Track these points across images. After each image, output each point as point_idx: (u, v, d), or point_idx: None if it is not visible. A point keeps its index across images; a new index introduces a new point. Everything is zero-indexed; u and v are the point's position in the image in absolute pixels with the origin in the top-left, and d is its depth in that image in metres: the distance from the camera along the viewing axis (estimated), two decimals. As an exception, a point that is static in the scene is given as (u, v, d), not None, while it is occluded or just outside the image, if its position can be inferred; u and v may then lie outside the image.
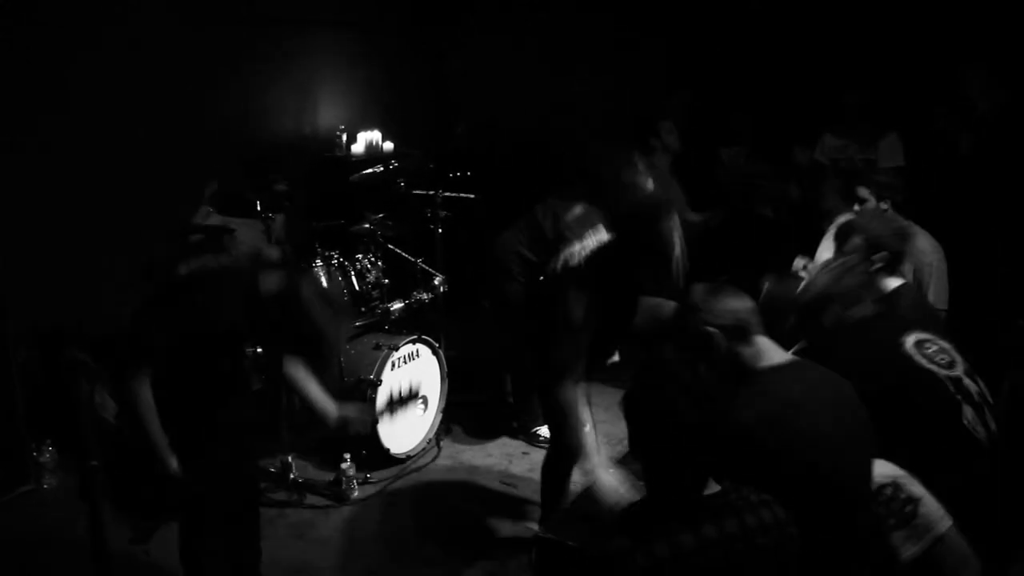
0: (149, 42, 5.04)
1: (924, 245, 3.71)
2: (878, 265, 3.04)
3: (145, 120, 5.01)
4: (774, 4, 5.94)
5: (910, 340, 2.68)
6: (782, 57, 5.91)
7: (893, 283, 3.00)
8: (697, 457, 1.81)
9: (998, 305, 4.14)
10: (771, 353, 2.26)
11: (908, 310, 2.90)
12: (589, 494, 2.89)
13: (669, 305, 3.03)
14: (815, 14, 5.77)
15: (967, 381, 2.63)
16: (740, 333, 2.25)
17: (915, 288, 3.35)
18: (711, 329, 2.24)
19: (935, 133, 4.90)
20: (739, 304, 2.29)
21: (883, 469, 2.23)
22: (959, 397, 2.58)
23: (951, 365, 2.65)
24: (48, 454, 4.07)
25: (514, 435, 4.71)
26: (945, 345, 2.70)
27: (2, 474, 3.93)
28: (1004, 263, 4.37)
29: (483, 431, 4.77)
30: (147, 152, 5.01)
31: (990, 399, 2.66)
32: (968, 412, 2.58)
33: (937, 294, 3.68)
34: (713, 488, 1.84)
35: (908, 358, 2.63)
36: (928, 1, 5.35)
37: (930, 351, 2.66)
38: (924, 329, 2.73)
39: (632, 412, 1.90)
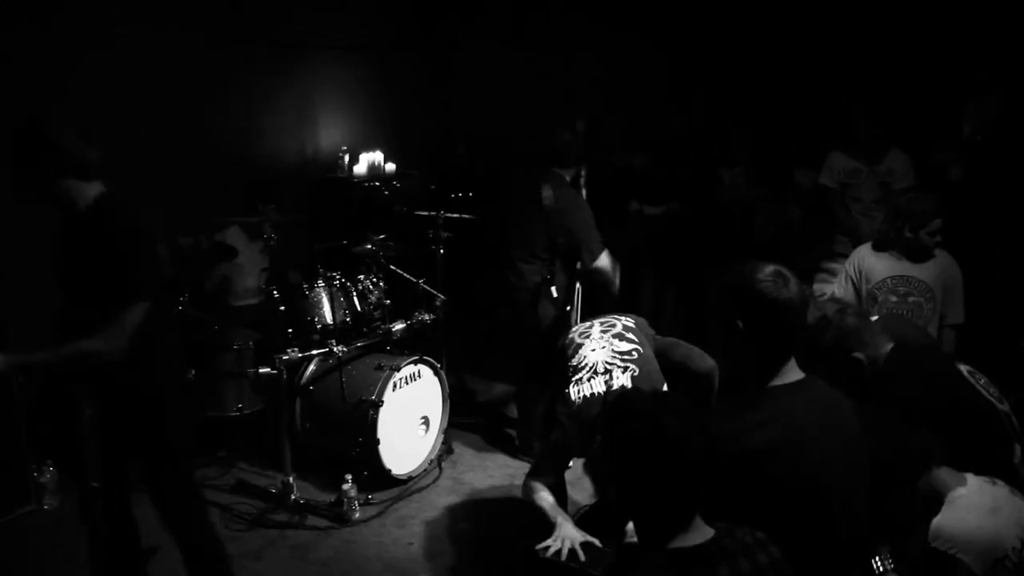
0: (151, 61, 5.07)
1: (949, 261, 3.91)
2: None
3: (147, 137, 5.02)
4: (776, 21, 5.98)
5: (964, 369, 2.67)
6: (782, 76, 5.95)
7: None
8: (683, 478, 1.74)
9: (999, 320, 4.16)
10: (786, 372, 2.16)
11: (930, 341, 2.91)
12: (589, 516, 2.88)
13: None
14: (816, 32, 5.80)
15: (1014, 418, 2.64)
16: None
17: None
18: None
19: (932, 165, 4.92)
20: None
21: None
22: (1011, 432, 2.59)
23: (1001, 399, 2.64)
24: (49, 475, 4.05)
25: (516, 455, 4.70)
26: (985, 378, 2.70)
27: (3, 495, 3.91)
28: (1003, 279, 4.39)
29: (485, 452, 4.76)
30: (148, 169, 5.01)
31: None
32: (1018, 451, 2.58)
33: (959, 308, 3.90)
34: (705, 532, 1.76)
35: (971, 385, 2.61)
36: (927, 19, 5.39)
37: (981, 382, 2.65)
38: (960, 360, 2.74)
39: (613, 443, 1.83)
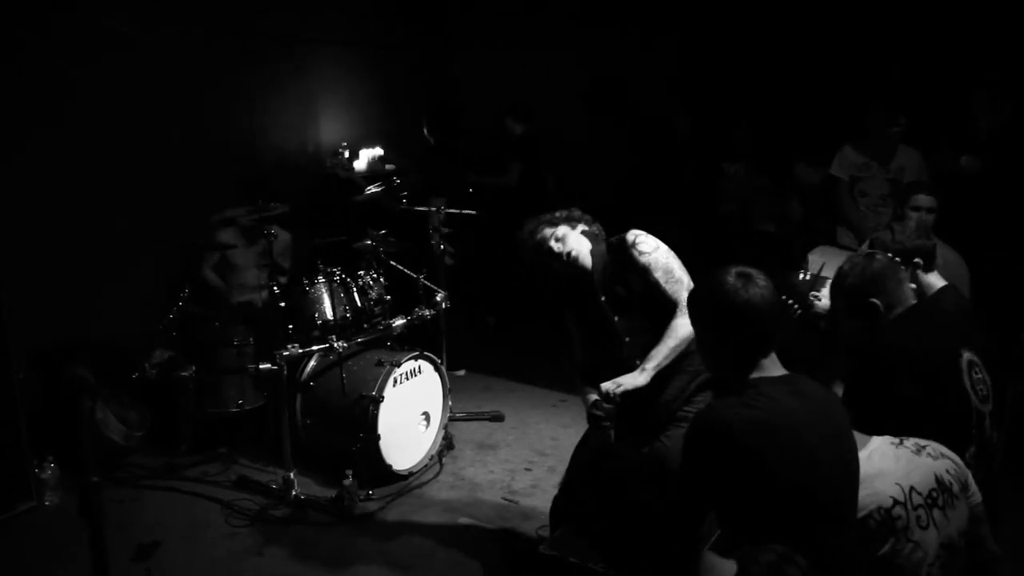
0: (152, 60, 5.08)
1: (953, 258, 3.83)
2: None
3: (148, 136, 5.04)
4: (779, 18, 5.97)
5: (966, 357, 2.68)
6: (785, 71, 5.94)
7: (938, 283, 3.01)
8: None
9: (1005, 317, 4.15)
10: (768, 367, 2.18)
11: (955, 316, 2.89)
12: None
13: None
14: (820, 29, 5.79)
15: (988, 422, 2.65)
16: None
17: (958, 292, 3.37)
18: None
19: (939, 160, 4.89)
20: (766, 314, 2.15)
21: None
22: (975, 431, 2.60)
23: (985, 400, 2.66)
24: (50, 471, 4.06)
25: (516, 450, 4.70)
26: (987, 377, 2.71)
27: (4, 491, 3.92)
28: (1012, 275, 4.37)
29: (486, 447, 4.76)
30: (149, 168, 5.03)
31: (994, 444, 2.69)
32: (972, 449, 2.59)
33: None
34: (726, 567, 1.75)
35: (959, 373, 2.63)
36: (933, 21, 5.38)
37: (976, 377, 2.67)
38: (974, 349, 2.73)
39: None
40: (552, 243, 3.03)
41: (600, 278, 3.07)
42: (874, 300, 2.74)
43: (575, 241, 3.04)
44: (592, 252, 3.07)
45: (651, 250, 2.99)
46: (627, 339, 3.05)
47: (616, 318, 3.06)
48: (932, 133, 5.03)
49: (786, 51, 5.91)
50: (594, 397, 2.99)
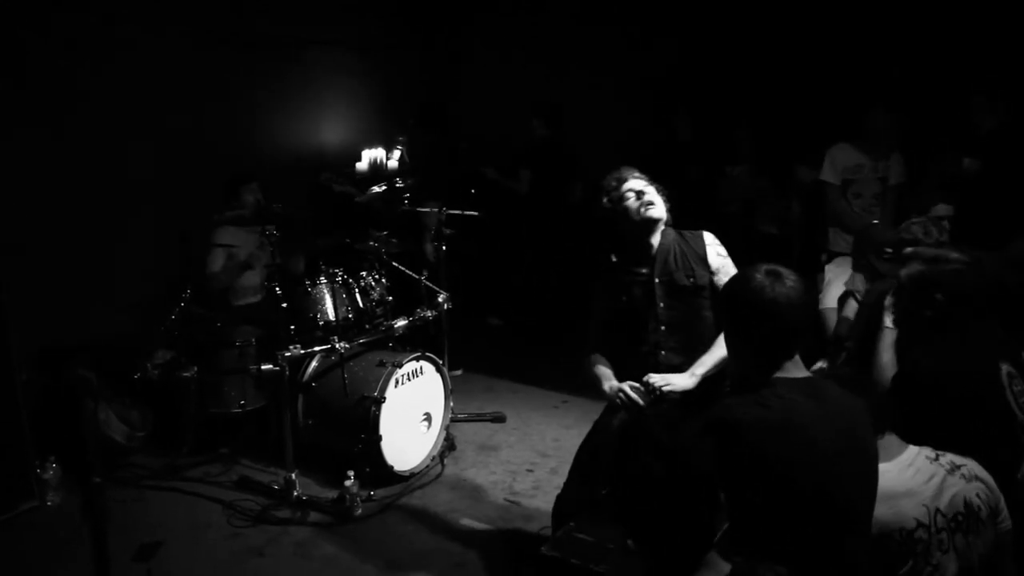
0: (157, 64, 5.09)
1: None
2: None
3: (148, 136, 5.05)
4: (778, 20, 5.96)
5: (1004, 369, 2.64)
6: (785, 72, 5.93)
7: None
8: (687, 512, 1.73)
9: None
10: (790, 369, 2.15)
11: (990, 324, 2.87)
12: (592, 514, 2.89)
13: None
14: (820, 29, 5.79)
15: None
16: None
17: None
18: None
19: (942, 165, 4.87)
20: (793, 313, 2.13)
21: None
22: (1021, 448, 2.56)
23: None
24: (52, 471, 4.06)
25: (518, 451, 4.70)
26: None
27: (6, 491, 3.92)
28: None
29: (487, 448, 4.76)
30: (152, 170, 5.04)
31: None
32: None
33: None
34: (720, 569, 1.73)
35: (1002, 389, 2.59)
36: (932, 21, 5.37)
37: (1016, 389, 2.62)
38: (1010, 359, 2.71)
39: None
40: (643, 189, 3.04)
41: (663, 259, 3.08)
42: (940, 296, 2.69)
43: (660, 204, 3.05)
44: (663, 232, 3.10)
45: (726, 255, 3.11)
46: (663, 327, 3.05)
47: (662, 304, 3.06)
48: (932, 134, 5.02)
49: (786, 52, 5.90)
50: (618, 384, 2.97)
